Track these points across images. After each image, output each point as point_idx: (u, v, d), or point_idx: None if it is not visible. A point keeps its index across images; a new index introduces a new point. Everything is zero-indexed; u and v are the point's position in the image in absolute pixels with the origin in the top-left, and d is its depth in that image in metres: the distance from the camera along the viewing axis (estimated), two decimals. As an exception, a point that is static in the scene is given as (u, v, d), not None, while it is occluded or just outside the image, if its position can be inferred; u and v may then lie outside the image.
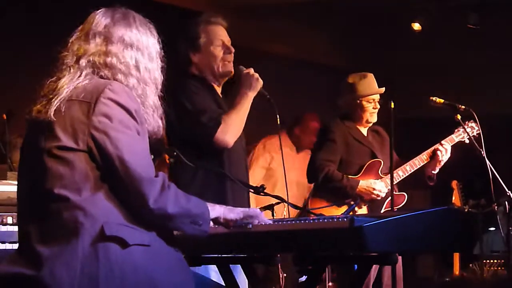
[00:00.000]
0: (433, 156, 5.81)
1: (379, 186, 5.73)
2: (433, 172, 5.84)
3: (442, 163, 5.81)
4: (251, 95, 4.39)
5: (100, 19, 3.05)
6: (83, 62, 2.98)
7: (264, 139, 7.52)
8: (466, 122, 5.86)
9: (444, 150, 5.79)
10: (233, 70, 4.48)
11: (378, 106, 5.82)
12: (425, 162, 5.82)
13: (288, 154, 7.54)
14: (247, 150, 7.58)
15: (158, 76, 3.11)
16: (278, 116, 4.46)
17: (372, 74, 5.88)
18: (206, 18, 4.52)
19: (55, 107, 2.90)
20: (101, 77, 2.98)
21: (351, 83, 5.88)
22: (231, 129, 4.29)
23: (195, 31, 4.48)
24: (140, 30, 3.08)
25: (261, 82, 4.41)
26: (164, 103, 3.13)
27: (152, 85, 3.08)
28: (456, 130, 5.93)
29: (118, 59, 3.01)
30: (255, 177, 7.42)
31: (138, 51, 3.05)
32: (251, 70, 4.42)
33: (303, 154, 7.62)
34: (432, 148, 5.83)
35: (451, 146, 5.89)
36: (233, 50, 4.48)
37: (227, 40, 4.50)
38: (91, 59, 2.99)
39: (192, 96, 4.33)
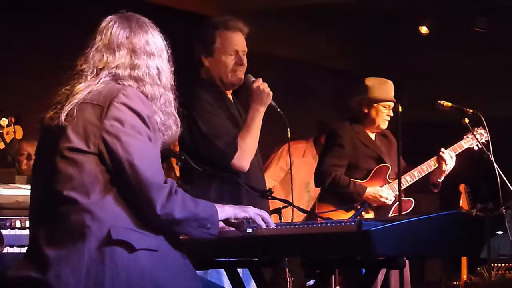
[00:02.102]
0: (439, 163, 5.79)
1: (386, 193, 5.72)
2: (438, 180, 5.82)
3: (447, 172, 5.78)
4: (262, 111, 4.34)
5: (118, 29, 3.05)
6: (104, 73, 2.99)
7: (290, 143, 7.48)
8: (475, 129, 5.84)
9: (449, 158, 5.76)
10: (243, 80, 4.43)
11: (392, 114, 5.78)
12: (433, 168, 5.80)
13: (309, 163, 7.54)
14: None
15: (172, 79, 3.13)
16: (288, 129, 4.45)
17: (391, 82, 5.84)
18: (225, 22, 4.43)
19: (66, 112, 2.91)
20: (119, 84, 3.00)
21: (369, 85, 5.83)
22: (247, 154, 4.27)
23: (211, 35, 4.41)
24: (154, 35, 3.10)
25: (271, 95, 4.36)
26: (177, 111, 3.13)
27: (171, 90, 3.10)
28: (465, 137, 5.91)
29: (144, 71, 3.02)
30: (275, 176, 7.43)
31: (160, 58, 3.07)
32: (260, 82, 4.37)
33: None
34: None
35: (460, 151, 5.88)
36: (245, 62, 4.41)
37: (242, 50, 4.42)
38: (113, 72, 3.00)
39: (206, 115, 4.29)
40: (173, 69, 3.14)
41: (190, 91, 4.33)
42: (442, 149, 5.80)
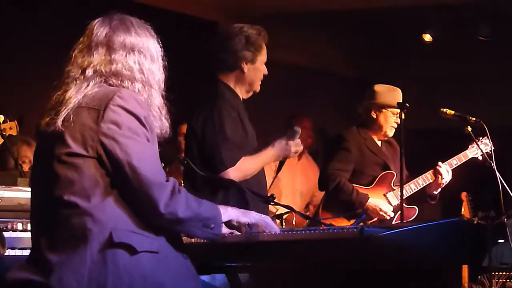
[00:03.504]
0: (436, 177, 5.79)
1: (386, 208, 5.71)
2: (434, 192, 5.81)
3: (443, 185, 5.78)
4: (274, 159, 4.45)
5: (99, 29, 3.06)
6: (89, 72, 2.99)
7: None
8: (480, 139, 5.83)
9: (446, 172, 5.76)
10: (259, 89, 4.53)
11: (399, 121, 5.75)
12: (431, 181, 5.79)
13: (290, 162, 7.56)
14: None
15: (161, 76, 3.12)
16: None
17: (400, 90, 5.82)
18: (263, 32, 4.53)
19: (63, 117, 2.91)
20: (110, 85, 3.00)
21: (378, 90, 5.81)
22: (240, 175, 4.25)
23: (258, 43, 4.49)
24: (139, 33, 3.08)
25: (288, 158, 4.48)
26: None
27: (156, 85, 3.09)
28: (470, 146, 5.91)
29: (123, 65, 3.02)
30: None
31: (141, 54, 3.06)
32: (296, 147, 4.42)
33: (303, 161, 7.63)
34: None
35: (465, 161, 5.89)
36: (266, 72, 4.52)
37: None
38: (97, 69, 3.00)
39: (224, 113, 4.33)
40: (162, 69, 3.13)
41: (212, 90, 4.37)
42: (439, 163, 5.80)
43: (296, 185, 7.36)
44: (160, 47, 3.15)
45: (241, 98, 4.51)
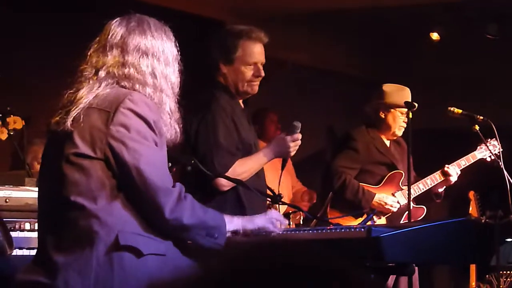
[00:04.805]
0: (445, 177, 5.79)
1: (391, 201, 5.69)
2: (439, 190, 5.81)
3: (451, 183, 5.78)
4: (272, 158, 4.28)
5: (115, 29, 3.04)
6: (102, 73, 2.98)
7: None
8: (488, 140, 5.82)
9: (455, 173, 5.75)
10: (256, 91, 4.36)
11: (407, 120, 5.71)
12: (440, 181, 5.78)
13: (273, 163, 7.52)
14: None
15: (175, 80, 3.10)
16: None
17: (408, 89, 5.79)
18: (248, 33, 4.33)
19: (73, 117, 2.90)
20: (123, 87, 2.98)
21: (386, 90, 5.77)
22: (235, 179, 4.04)
23: (233, 43, 4.31)
24: (155, 36, 3.06)
25: (290, 156, 4.27)
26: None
27: (169, 90, 3.06)
28: (478, 147, 5.89)
29: (135, 69, 3.00)
30: None
31: (154, 58, 3.03)
32: (298, 139, 4.23)
33: None
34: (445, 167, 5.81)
35: (473, 162, 5.88)
36: (263, 75, 4.31)
37: (261, 61, 4.33)
38: (110, 71, 2.98)
39: (218, 119, 4.22)
40: (177, 73, 3.10)
41: (208, 93, 4.32)
42: (446, 165, 5.78)
43: (276, 178, 7.37)
44: (178, 51, 3.12)
45: (237, 99, 4.38)
